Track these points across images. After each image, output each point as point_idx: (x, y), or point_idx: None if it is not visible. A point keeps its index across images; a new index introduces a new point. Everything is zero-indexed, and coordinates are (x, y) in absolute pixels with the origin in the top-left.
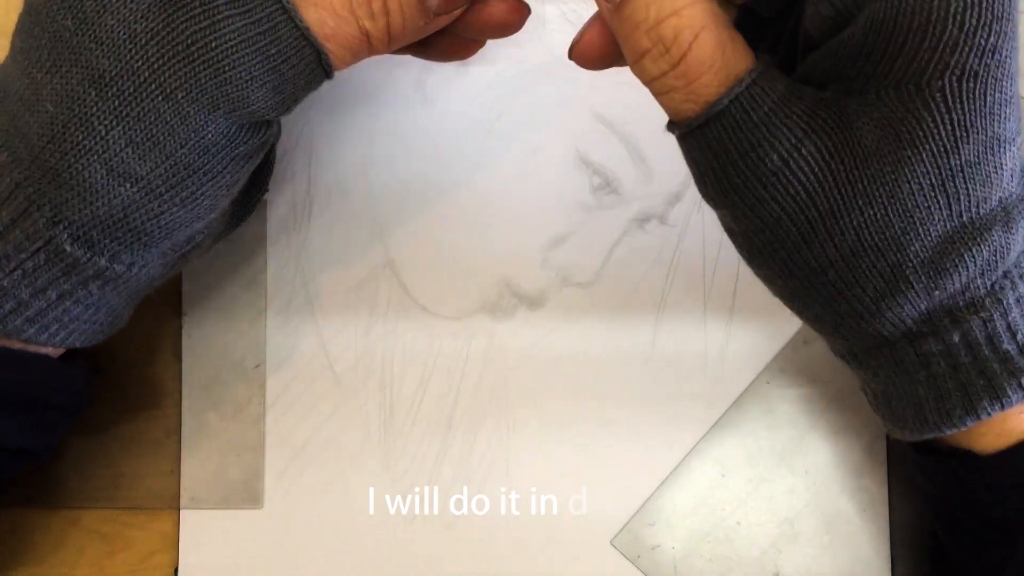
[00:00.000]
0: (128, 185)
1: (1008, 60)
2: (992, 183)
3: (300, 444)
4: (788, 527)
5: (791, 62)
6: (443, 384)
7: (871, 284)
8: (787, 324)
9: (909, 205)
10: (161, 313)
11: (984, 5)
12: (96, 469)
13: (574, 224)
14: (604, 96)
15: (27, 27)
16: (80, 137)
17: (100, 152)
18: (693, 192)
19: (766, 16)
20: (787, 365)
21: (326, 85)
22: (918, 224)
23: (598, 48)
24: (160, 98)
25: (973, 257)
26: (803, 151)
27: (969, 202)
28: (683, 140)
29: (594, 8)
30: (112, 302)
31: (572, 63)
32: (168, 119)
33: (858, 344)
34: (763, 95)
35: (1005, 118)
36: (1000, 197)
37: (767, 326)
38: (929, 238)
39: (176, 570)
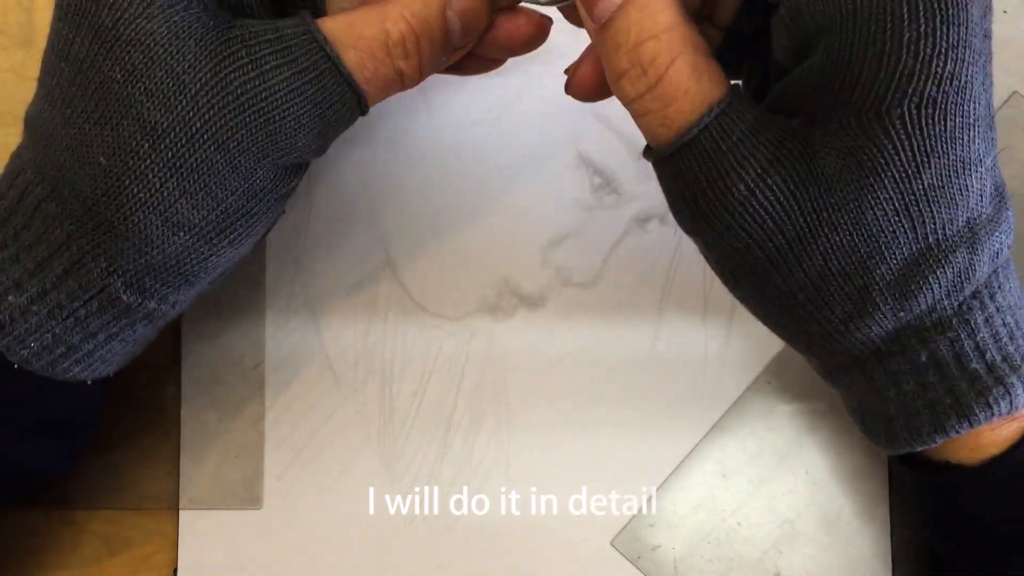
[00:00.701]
0: (182, 234)
1: (971, 83)
2: (957, 204)
3: (300, 444)
4: (789, 528)
5: (767, 86)
6: (443, 384)
7: (839, 306)
8: None
9: (874, 230)
10: None
11: (939, 34)
12: (95, 470)
13: (574, 224)
14: None
15: (66, 75)
16: (136, 190)
17: (156, 204)
18: None
19: (747, 36)
20: (787, 365)
21: None
22: (883, 248)
23: (592, 80)
24: (212, 148)
25: (937, 279)
26: (768, 181)
27: (935, 224)
28: (656, 166)
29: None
30: (148, 335)
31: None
32: (220, 168)
33: (830, 362)
34: (732, 125)
35: (970, 140)
36: (967, 218)
37: None
38: (895, 261)
39: (175, 571)
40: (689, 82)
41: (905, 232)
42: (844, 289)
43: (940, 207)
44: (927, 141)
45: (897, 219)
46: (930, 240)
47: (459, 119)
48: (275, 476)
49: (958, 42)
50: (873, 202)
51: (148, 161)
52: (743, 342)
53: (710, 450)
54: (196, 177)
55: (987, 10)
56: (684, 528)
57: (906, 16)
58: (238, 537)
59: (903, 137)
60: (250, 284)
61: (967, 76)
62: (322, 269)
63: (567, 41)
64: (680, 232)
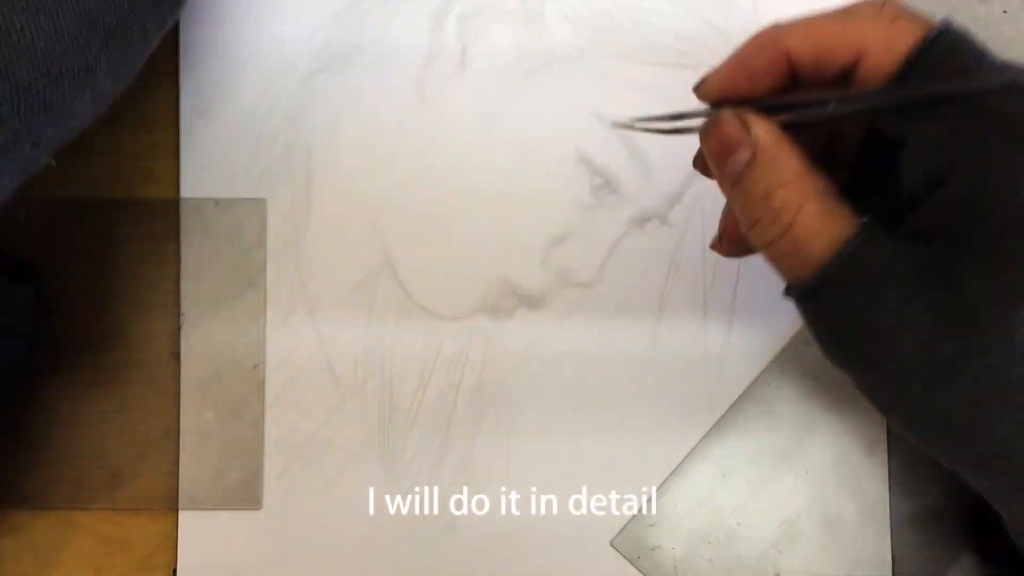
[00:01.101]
0: (100, 104)
1: None
2: None
3: (299, 444)
4: (788, 528)
5: (900, 215)
6: (443, 384)
7: (1001, 426)
8: (788, 324)
9: None
10: (160, 313)
11: None
12: (94, 470)
13: (574, 224)
14: (604, 96)
15: None
16: (74, 69)
17: (88, 81)
18: (693, 192)
19: (873, 172)
20: (787, 365)
21: (325, 85)
22: None
23: (737, 235)
24: (135, 29)
25: None
26: (912, 308)
27: None
28: (798, 303)
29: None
30: None
31: (573, 64)
32: (139, 46)
33: (1002, 483)
34: (868, 258)
35: None
36: None
37: (767, 326)
38: None
39: (175, 571)
40: (820, 224)
41: None
42: (1004, 408)
43: None
44: None
45: None
46: None
47: (459, 119)
48: (275, 476)
49: None
50: (1021, 323)
51: (84, 43)
52: (743, 342)
53: (710, 450)
54: (120, 53)
55: None
56: (684, 528)
57: None
58: (238, 537)
59: None
60: (249, 284)
61: None
62: (322, 269)
63: (567, 40)
64: (680, 232)
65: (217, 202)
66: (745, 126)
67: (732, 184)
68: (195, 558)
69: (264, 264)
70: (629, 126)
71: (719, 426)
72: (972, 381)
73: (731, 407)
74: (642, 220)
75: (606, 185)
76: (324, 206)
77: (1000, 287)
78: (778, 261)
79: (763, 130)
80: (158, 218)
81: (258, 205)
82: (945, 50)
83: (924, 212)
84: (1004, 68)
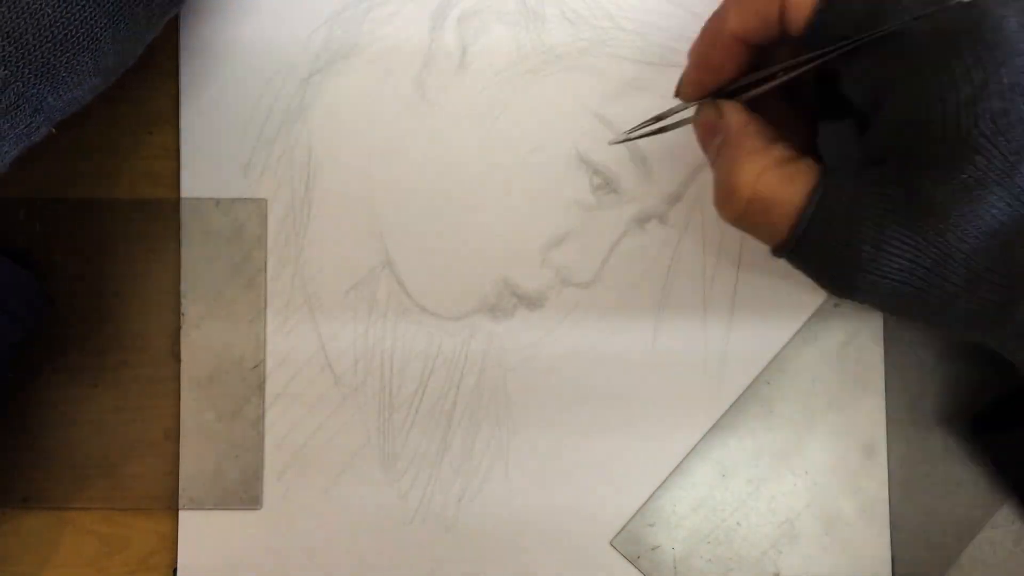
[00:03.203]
0: (100, 78)
1: None
2: None
3: (299, 444)
4: (788, 528)
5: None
6: (442, 384)
7: (995, 296)
8: (787, 324)
9: (996, 226)
10: (159, 313)
11: (984, 59)
12: (94, 470)
13: (574, 224)
14: (604, 96)
15: None
16: (79, 37)
17: (93, 50)
18: (693, 192)
19: (830, 103)
20: (787, 365)
21: (324, 85)
22: (1012, 235)
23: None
24: (141, 5)
25: None
26: (887, 232)
27: None
28: (789, 260)
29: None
30: None
31: (573, 64)
32: (143, 24)
33: (996, 339)
34: (835, 204)
35: None
36: None
37: (767, 326)
38: None
39: (175, 571)
40: (780, 189)
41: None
42: (994, 280)
43: None
44: (1012, 142)
45: (1011, 209)
46: None
47: (460, 119)
48: (275, 476)
49: (1005, 58)
50: (987, 207)
51: (91, 11)
52: (743, 342)
53: (710, 450)
54: (123, 27)
55: None
56: (684, 528)
57: (952, 58)
58: (237, 537)
59: (990, 147)
60: (249, 284)
61: None
62: (322, 269)
63: (567, 40)
64: (680, 232)
65: (217, 202)
66: (720, 114)
67: (712, 162)
68: (195, 558)
69: (264, 264)
70: (624, 139)
71: (719, 426)
72: (962, 268)
73: (731, 407)
74: (642, 220)
75: (606, 185)
76: (324, 206)
77: (959, 186)
78: (754, 231)
79: (733, 116)
80: (158, 218)
81: (258, 205)
82: None
83: (872, 134)
84: None
